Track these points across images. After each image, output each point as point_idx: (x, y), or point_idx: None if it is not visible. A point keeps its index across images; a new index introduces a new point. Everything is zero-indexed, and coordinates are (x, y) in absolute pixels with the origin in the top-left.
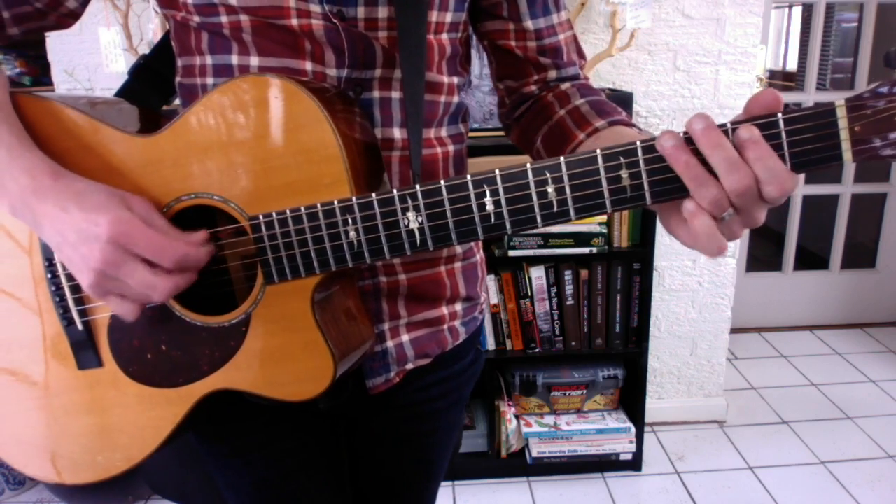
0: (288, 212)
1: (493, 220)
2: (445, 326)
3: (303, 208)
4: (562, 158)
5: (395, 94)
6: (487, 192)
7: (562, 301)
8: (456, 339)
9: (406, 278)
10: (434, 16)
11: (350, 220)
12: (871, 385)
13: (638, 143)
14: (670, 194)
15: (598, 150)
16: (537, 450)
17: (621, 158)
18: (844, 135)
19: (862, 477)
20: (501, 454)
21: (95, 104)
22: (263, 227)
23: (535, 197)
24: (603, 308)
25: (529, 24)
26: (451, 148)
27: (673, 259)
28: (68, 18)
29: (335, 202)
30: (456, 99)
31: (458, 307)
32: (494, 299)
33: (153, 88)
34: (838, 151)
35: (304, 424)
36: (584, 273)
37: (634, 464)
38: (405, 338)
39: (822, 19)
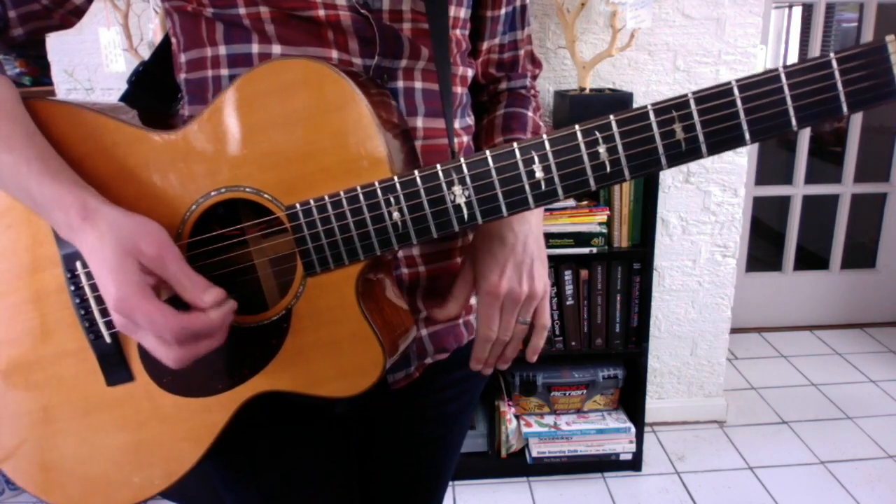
0: (326, 198)
1: (543, 186)
2: (461, 321)
3: (342, 193)
4: (611, 116)
5: (418, 84)
6: (536, 159)
7: (562, 301)
8: (471, 333)
9: (425, 269)
10: (452, 10)
11: (393, 201)
12: (871, 385)
13: (690, 94)
14: (727, 144)
15: (650, 106)
16: (537, 450)
17: (673, 112)
18: None
19: (862, 477)
20: (501, 454)
21: (111, 107)
22: (301, 216)
23: (586, 159)
24: (603, 308)
25: (496, 39)
26: (465, 139)
27: (673, 259)
28: (72, 17)
29: (376, 183)
30: (466, 90)
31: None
32: None
33: (154, 94)
34: (893, 88)
35: (315, 431)
36: (584, 273)
37: (634, 464)
38: (424, 332)
39: (822, 19)
